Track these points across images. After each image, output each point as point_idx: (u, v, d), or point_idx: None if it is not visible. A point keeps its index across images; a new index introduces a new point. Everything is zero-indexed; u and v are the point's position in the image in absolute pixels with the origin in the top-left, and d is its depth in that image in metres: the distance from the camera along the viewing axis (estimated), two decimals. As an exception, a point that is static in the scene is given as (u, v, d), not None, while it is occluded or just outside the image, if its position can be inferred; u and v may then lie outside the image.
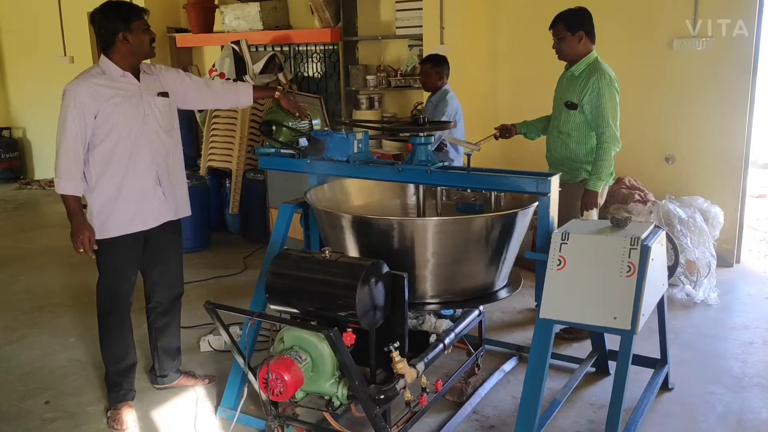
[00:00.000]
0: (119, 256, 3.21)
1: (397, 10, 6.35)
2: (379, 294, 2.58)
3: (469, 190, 3.16)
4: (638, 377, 3.41)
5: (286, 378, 2.40)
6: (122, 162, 3.10)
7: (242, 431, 3.11)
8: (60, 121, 3.00)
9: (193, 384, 3.59)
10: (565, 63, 4.00)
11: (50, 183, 9.44)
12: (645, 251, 2.58)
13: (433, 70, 4.78)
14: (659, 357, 3.41)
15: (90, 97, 2.98)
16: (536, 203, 2.92)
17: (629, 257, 2.59)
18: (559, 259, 2.71)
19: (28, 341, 4.28)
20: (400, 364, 2.61)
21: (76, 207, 3.03)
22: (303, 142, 3.32)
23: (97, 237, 3.11)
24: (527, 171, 2.94)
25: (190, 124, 7.28)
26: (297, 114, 3.46)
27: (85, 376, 3.76)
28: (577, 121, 3.82)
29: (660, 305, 3.11)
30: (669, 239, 3.07)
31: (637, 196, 5.15)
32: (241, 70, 6.59)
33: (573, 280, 2.67)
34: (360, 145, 3.22)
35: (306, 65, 7.18)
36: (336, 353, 2.37)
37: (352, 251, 2.97)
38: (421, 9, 6.01)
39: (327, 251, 2.60)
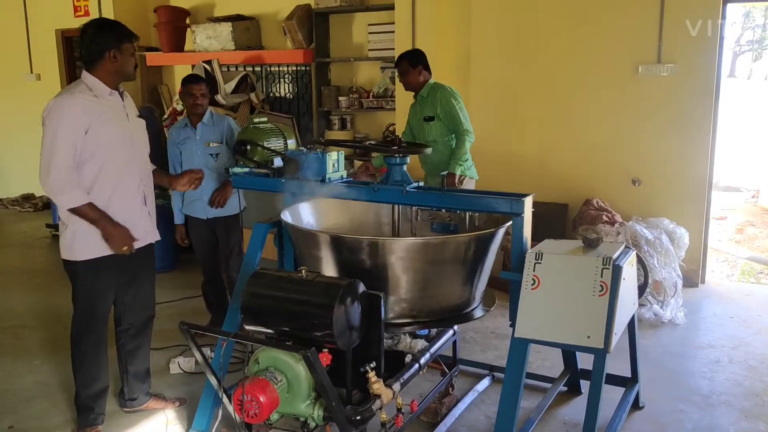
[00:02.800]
0: (102, 277, 3.15)
1: (369, 33, 6.43)
2: (355, 314, 2.57)
3: (443, 210, 3.18)
4: (609, 396, 3.44)
5: (261, 399, 2.37)
6: (110, 180, 3.07)
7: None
8: (49, 135, 2.92)
9: (162, 407, 3.52)
10: (412, 93, 4.79)
11: (13, 202, 9.23)
12: (617, 271, 2.63)
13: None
14: (630, 376, 3.46)
15: (82, 111, 2.95)
16: (509, 223, 2.95)
17: (601, 277, 2.63)
18: (533, 279, 2.74)
19: (-11, 364, 4.16)
20: (377, 385, 2.60)
21: (95, 212, 2.98)
22: (278, 161, 3.32)
23: (81, 258, 3.06)
24: (501, 192, 2.98)
25: (159, 143, 7.20)
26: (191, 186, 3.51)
27: (50, 400, 3.66)
28: (438, 130, 4.64)
29: (630, 324, 3.16)
30: (639, 259, 3.13)
31: (604, 218, 5.25)
32: (212, 90, 6.55)
33: (547, 300, 2.70)
34: (335, 165, 3.23)
35: (278, 85, 7.19)
36: (313, 374, 2.36)
37: (328, 271, 2.96)
38: (393, 32, 6.09)
39: (303, 271, 2.59)
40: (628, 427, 3.29)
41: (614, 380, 3.45)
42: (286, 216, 3.19)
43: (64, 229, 3.08)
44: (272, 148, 3.42)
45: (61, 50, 8.60)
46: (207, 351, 3.79)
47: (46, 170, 2.91)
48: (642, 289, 3.20)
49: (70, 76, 8.58)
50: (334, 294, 2.46)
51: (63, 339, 4.45)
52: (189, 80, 4.42)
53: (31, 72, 8.79)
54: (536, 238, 5.43)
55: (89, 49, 3.05)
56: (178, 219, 4.54)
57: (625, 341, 3.32)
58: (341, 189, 3.14)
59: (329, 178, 3.16)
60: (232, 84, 6.55)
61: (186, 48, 7.57)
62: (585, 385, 3.60)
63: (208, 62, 6.67)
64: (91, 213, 2.97)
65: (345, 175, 3.29)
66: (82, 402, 3.24)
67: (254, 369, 2.55)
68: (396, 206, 3.25)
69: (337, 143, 3.43)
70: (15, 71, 8.90)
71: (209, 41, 7.07)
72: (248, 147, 3.39)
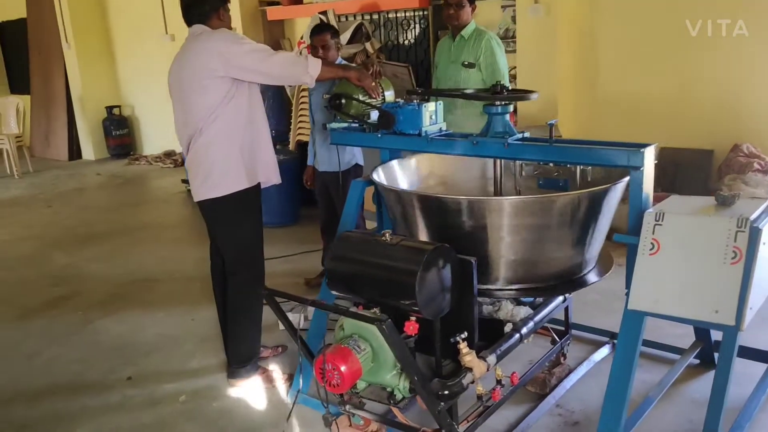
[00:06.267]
0: (260, 213, 3.31)
1: (489, -30, 5.99)
2: (443, 281, 2.36)
3: (551, 164, 2.86)
4: (749, 371, 3.03)
5: (342, 369, 2.25)
6: (259, 115, 3.24)
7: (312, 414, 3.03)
8: (252, 43, 3.09)
9: (267, 355, 3.59)
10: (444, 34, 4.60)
11: (157, 158, 9.81)
12: (755, 234, 2.21)
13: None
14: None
15: None
16: (627, 178, 2.59)
17: (735, 241, 2.22)
18: (652, 243, 2.38)
19: (119, 315, 4.41)
20: (468, 357, 2.39)
21: (330, 65, 3.26)
22: (374, 115, 3.14)
23: (246, 185, 3.17)
24: (616, 141, 2.61)
25: (282, 98, 7.26)
26: (371, 94, 3.27)
27: (167, 353, 3.82)
28: (475, 79, 4.25)
29: (776, 293, 2.70)
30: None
31: (756, 165, 4.60)
32: (330, 41, 6.45)
33: (667, 267, 2.34)
34: (432, 117, 3.00)
35: (396, 33, 6.95)
36: (391, 347, 2.19)
37: (422, 233, 2.76)
38: (514, -33, 5.63)
39: (387, 234, 2.41)
40: (769, 411, 2.87)
41: (754, 355, 3.01)
42: (379, 174, 3.01)
43: (220, 163, 3.12)
44: (367, 101, 3.23)
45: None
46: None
47: (275, 60, 3.05)
48: (792, 252, 2.71)
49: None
50: (418, 260, 2.27)
51: (186, 292, 4.67)
52: (312, 32, 4.29)
53: (166, 33, 9.16)
54: (677, 190, 4.91)
55: (200, 9, 3.14)
56: (311, 160, 4.56)
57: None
58: (438, 143, 2.92)
59: (426, 132, 2.94)
60: (347, 34, 6.41)
61: (305, 0, 7.50)
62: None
63: (324, 13, 6.56)
64: (332, 68, 3.25)
65: (444, 128, 3.05)
66: (255, 352, 3.38)
67: (339, 335, 2.44)
68: (498, 161, 2.97)
69: (435, 92, 3.18)
70: (151, 33, 9.32)
71: (326, -9, 6.94)
72: (343, 101, 3.23)
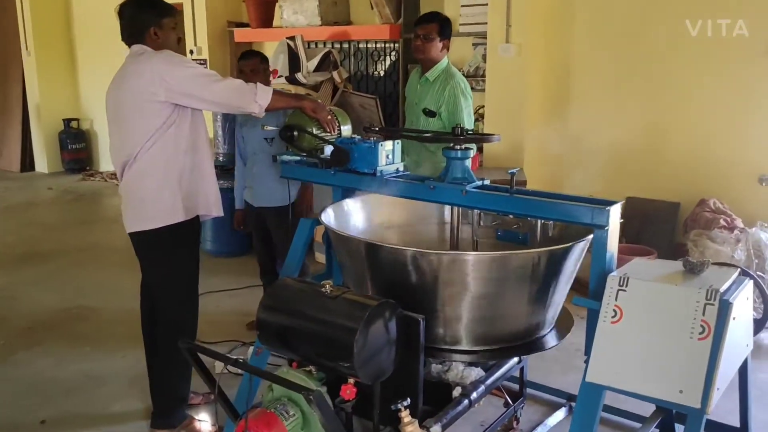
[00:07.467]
0: (197, 249, 3.10)
1: (461, 6, 5.86)
2: (386, 341, 2.14)
3: (511, 216, 2.67)
4: (712, 447, 2.84)
5: (266, 438, 2.00)
6: (202, 142, 3.01)
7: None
8: (198, 68, 2.89)
9: (198, 402, 3.33)
10: (416, 67, 4.07)
11: (112, 175, 9.44)
12: (724, 308, 2.03)
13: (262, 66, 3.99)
14: (739, 426, 2.82)
15: None
16: (590, 236, 2.40)
17: (703, 315, 2.05)
18: (614, 310, 2.19)
19: (45, 347, 4.07)
20: (410, 428, 2.15)
21: (282, 95, 3.03)
22: (329, 150, 2.93)
23: (181, 218, 2.92)
24: (581, 197, 2.43)
25: (244, 122, 7.03)
26: (326, 128, 3.07)
27: (89, 394, 3.50)
28: (435, 127, 3.81)
29: (743, 367, 2.53)
30: (758, 287, 2.48)
31: (722, 222, 4.48)
32: (294, 68, 6.27)
33: (630, 338, 2.15)
34: (389, 157, 2.80)
35: (365, 63, 6.79)
36: (321, 419, 1.95)
37: (368, 283, 2.54)
38: (486, 5, 5.51)
39: (328, 285, 2.18)
40: (734, 492, 2.68)
41: (719, 429, 2.83)
42: (328, 214, 2.79)
43: (154, 193, 2.88)
44: (321, 135, 3.03)
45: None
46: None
47: (220, 88, 2.85)
48: (761, 323, 2.56)
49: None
50: (358, 317, 2.04)
51: (120, 324, 4.35)
52: (241, 56, 4.04)
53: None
54: (642, 241, 4.77)
55: (130, 29, 2.91)
56: (239, 202, 4.19)
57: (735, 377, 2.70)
58: (393, 185, 2.71)
59: (381, 171, 2.75)
60: (315, 61, 6.22)
61: (274, 24, 7.32)
62: (680, 429, 3.00)
63: (292, 38, 6.38)
64: (282, 97, 3.01)
65: (401, 168, 2.85)
66: (182, 397, 3.12)
67: (268, 397, 2.19)
68: (455, 208, 2.77)
69: (394, 132, 2.99)
70: (116, 47, 8.93)
71: (296, 16, 6.76)
72: (296, 133, 3.02)
